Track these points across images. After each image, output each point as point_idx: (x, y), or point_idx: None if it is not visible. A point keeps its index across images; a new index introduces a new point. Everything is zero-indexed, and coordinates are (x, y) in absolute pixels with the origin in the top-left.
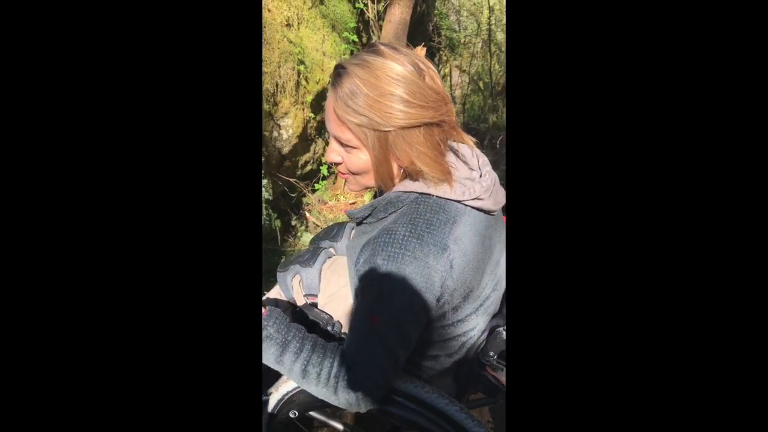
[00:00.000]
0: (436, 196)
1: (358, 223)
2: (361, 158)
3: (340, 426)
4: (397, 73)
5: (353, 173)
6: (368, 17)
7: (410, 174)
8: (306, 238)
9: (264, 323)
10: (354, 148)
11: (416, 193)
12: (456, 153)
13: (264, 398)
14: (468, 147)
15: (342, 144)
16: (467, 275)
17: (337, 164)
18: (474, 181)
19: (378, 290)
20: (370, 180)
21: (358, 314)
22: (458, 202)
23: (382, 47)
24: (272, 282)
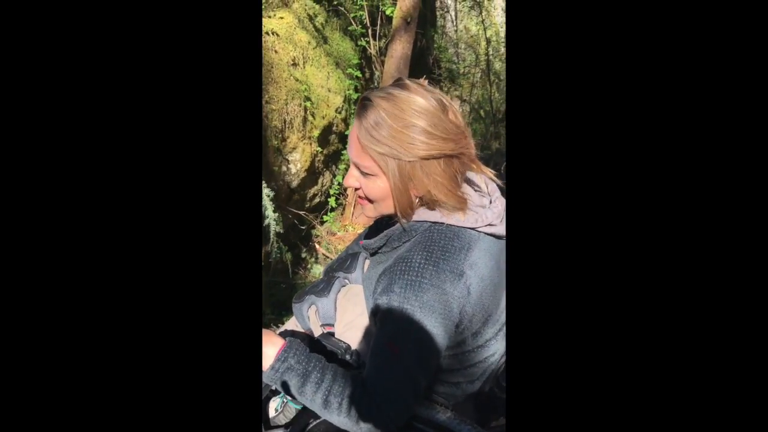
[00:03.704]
0: (448, 224)
1: (373, 254)
2: (379, 185)
3: None
4: (420, 106)
5: (371, 201)
6: (370, 53)
7: (427, 203)
8: (316, 270)
9: (284, 355)
10: (373, 175)
11: (429, 222)
12: (468, 182)
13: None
14: (478, 175)
15: (361, 171)
16: (485, 300)
17: (355, 189)
18: (485, 208)
19: (397, 318)
20: (388, 207)
21: (378, 342)
22: (472, 229)
23: (408, 82)
24: (285, 315)
